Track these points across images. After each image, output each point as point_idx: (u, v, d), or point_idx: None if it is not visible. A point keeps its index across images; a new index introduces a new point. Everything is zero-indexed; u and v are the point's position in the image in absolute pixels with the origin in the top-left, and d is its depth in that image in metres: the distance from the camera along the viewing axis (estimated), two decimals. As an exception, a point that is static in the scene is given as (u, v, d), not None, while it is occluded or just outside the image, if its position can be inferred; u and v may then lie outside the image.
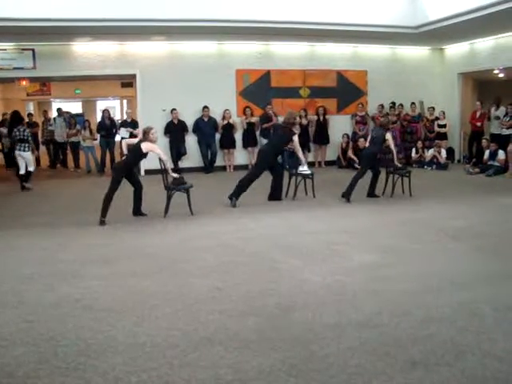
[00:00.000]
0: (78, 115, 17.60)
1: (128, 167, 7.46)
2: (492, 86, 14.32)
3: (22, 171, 10.48)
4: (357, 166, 12.49)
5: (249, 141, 13.00)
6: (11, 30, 9.69)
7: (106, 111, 13.52)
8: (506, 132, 12.03)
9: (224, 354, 3.30)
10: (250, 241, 6.21)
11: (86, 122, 13.73)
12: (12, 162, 12.32)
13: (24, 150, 10.43)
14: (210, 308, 4.08)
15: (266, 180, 8.66)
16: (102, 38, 11.59)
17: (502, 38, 12.24)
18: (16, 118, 11.83)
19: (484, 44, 12.95)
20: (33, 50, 11.65)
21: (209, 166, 12.78)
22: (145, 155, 7.42)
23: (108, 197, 7.15)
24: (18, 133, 10.50)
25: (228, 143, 12.93)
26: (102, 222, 7.09)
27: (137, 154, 7.38)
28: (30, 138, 10.59)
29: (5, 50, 11.62)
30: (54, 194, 10.27)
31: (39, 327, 3.76)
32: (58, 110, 15.79)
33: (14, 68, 11.68)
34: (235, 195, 8.26)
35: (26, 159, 10.48)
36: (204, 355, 3.30)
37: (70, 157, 14.56)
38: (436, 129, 13.45)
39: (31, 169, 10.67)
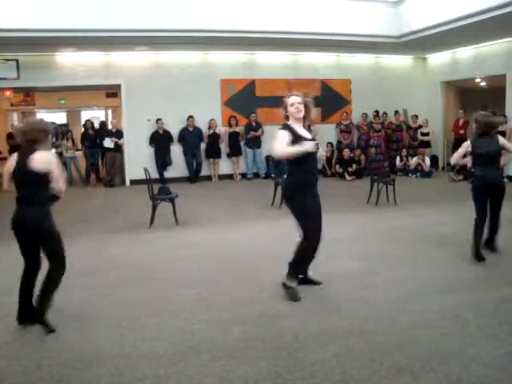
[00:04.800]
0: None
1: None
2: (474, 94, 14.51)
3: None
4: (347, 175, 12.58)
5: (233, 150, 13.05)
6: (-6, 40, 9.62)
7: (88, 122, 13.47)
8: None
9: (210, 364, 3.30)
10: (235, 250, 6.21)
11: (69, 133, 13.64)
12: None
13: None
14: (195, 317, 4.07)
15: (257, 188, 8.63)
16: (87, 49, 11.55)
17: (483, 48, 12.44)
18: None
19: (465, 53, 13.15)
20: (16, 61, 11.55)
21: (194, 176, 12.78)
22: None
23: None
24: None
25: (213, 153, 12.94)
26: None
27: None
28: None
29: (-12, 60, 11.53)
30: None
31: (23, 339, 3.73)
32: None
33: (-2, 78, 11.59)
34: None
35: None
36: (190, 365, 3.30)
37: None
38: (419, 137, 13.59)
39: None
